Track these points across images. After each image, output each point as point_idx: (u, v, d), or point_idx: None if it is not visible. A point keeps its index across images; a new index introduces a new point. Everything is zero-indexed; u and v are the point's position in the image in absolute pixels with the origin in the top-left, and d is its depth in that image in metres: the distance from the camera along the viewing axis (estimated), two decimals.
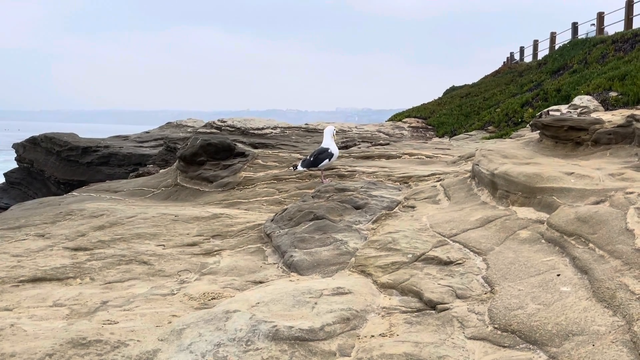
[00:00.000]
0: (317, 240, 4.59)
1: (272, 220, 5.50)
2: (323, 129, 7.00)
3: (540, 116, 10.23)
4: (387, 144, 13.24)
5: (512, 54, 34.39)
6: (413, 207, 5.27)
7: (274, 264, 4.54)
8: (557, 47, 26.54)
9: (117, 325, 3.14)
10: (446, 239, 4.00)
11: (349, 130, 19.23)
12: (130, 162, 21.49)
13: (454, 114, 21.84)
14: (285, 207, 5.75)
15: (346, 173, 7.68)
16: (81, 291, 3.98)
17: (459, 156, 8.66)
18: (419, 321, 2.96)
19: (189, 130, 22.95)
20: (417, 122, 22.10)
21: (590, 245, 3.18)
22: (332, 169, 7.79)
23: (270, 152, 10.08)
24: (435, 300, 3.12)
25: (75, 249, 5.11)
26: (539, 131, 6.30)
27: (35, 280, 4.31)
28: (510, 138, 11.98)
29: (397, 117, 24.60)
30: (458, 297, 3.12)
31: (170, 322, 3.10)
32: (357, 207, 5.27)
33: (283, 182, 7.80)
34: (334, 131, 7.11)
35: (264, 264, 4.58)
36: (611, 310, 2.56)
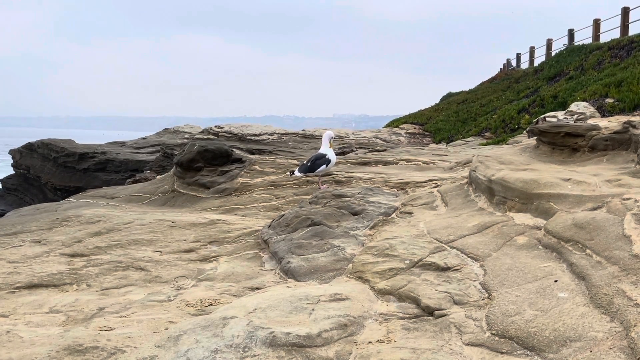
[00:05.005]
0: (315, 246, 4.58)
1: (269, 226, 5.50)
2: (321, 135, 7.01)
3: (537, 122, 10.26)
4: (384, 150, 13.25)
5: (508, 61, 34.51)
6: (410, 213, 5.27)
7: (271, 270, 4.54)
8: (553, 53, 26.64)
9: (114, 331, 3.13)
10: (443, 245, 4.00)
11: (346, 137, 19.24)
12: (127, 168, 21.49)
13: (450, 120, 21.87)
14: (283, 213, 5.74)
15: (343, 179, 7.68)
16: (78, 297, 3.97)
17: (456, 162, 8.67)
18: (416, 327, 2.95)
19: (186, 136, 22.94)
20: (414, 128, 22.13)
21: (588, 251, 3.19)
22: (330, 175, 7.80)
23: (267, 158, 10.08)
24: (433, 306, 3.11)
25: (72, 255, 5.10)
26: (535, 137, 6.31)
27: (31, 286, 4.30)
28: (507, 144, 12.00)
29: (394, 123, 24.62)
30: (455, 303, 3.12)
31: (167, 329, 3.09)
32: (355, 213, 5.27)
33: (280, 188, 7.80)
34: (333, 137, 7.11)
35: (261, 270, 4.57)
36: (608, 316, 2.56)
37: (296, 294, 3.31)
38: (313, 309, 3.08)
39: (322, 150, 6.81)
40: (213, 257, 5.02)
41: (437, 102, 32.47)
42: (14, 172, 26.48)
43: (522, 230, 3.94)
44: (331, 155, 6.79)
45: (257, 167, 8.93)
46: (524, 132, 13.16)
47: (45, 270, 4.61)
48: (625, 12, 21.10)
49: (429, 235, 4.27)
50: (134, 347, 2.85)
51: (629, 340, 2.33)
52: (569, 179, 4.36)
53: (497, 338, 2.67)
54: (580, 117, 10.84)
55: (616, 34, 21.50)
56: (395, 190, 6.61)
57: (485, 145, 13.97)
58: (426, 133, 21.31)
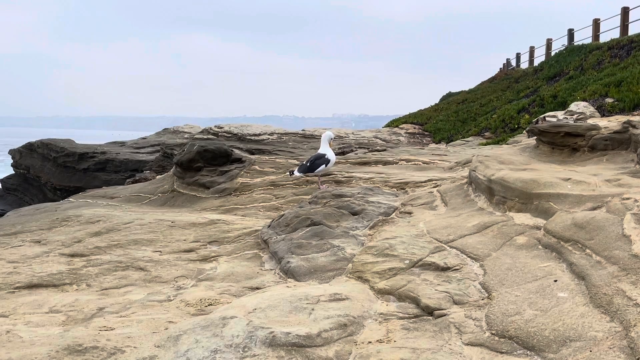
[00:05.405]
0: (314, 246, 4.58)
1: (269, 226, 5.50)
2: (320, 135, 7.01)
3: (537, 122, 10.26)
4: (384, 150, 13.25)
5: (508, 60, 34.51)
6: (410, 213, 5.27)
7: (271, 270, 4.54)
8: (553, 53, 26.64)
9: (114, 331, 3.13)
10: (443, 244, 4.00)
11: (345, 136, 19.24)
12: (127, 168, 21.49)
13: (450, 120, 21.87)
14: (282, 213, 5.75)
15: (343, 179, 7.68)
16: (77, 297, 3.97)
17: (456, 162, 8.67)
18: (416, 327, 2.95)
19: (185, 136, 22.94)
20: (414, 128, 22.12)
21: (587, 251, 3.19)
22: (329, 175, 7.80)
23: (267, 158, 10.08)
24: (433, 306, 3.11)
25: (72, 255, 5.10)
26: (535, 137, 6.31)
27: (31, 286, 4.30)
28: (507, 144, 12.00)
29: (394, 123, 24.62)
30: (455, 303, 3.12)
31: (166, 329, 3.09)
32: (354, 213, 5.27)
33: (280, 188, 7.80)
34: (332, 137, 7.11)
35: (261, 270, 4.58)
36: (608, 316, 2.56)
37: (296, 294, 3.31)
38: (313, 309, 3.08)
39: (321, 150, 6.81)
40: (213, 257, 5.02)
41: (437, 102, 32.46)
42: (13, 172, 26.49)
43: (521, 230, 3.94)
44: (330, 155, 6.79)
45: (256, 167, 8.93)
46: (524, 132, 13.16)
47: (45, 270, 4.61)
48: (625, 12, 21.10)
49: (429, 235, 4.27)
50: (134, 347, 2.85)
51: (629, 340, 2.33)
52: (569, 179, 4.36)
53: (496, 338, 2.67)
54: (580, 116, 10.84)
55: (616, 34, 21.51)
56: (395, 190, 6.61)
57: (485, 145, 13.97)
58: (426, 133, 21.30)
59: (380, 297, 3.40)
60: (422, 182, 6.83)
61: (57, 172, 23.12)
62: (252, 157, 9.87)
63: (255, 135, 18.84)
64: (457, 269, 3.54)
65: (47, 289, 4.28)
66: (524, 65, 31.07)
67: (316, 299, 3.21)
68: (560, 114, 11.41)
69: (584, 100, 12.80)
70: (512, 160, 5.46)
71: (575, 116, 10.93)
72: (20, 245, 5.57)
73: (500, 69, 34.89)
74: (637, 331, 2.34)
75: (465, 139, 16.71)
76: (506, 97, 21.84)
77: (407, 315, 3.11)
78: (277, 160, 9.73)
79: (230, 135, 19.00)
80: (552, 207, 3.98)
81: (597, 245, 3.17)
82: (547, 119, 10.60)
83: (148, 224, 6.04)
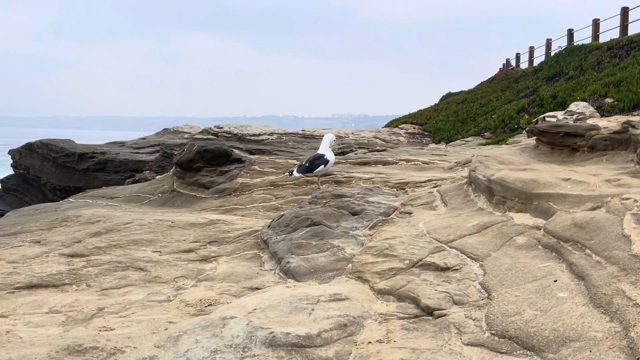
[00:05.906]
0: (314, 246, 4.59)
1: (268, 226, 5.50)
2: (320, 135, 7.02)
3: (537, 122, 10.26)
4: (384, 150, 13.26)
5: (508, 61, 34.51)
6: (410, 213, 5.27)
7: (271, 270, 4.54)
8: (552, 53, 26.64)
9: (114, 331, 3.13)
10: (443, 245, 4.00)
11: (345, 137, 19.24)
12: (127, 168, 21.50)
13: (450, 120, 21.86)
14: (282, 213, 5.75)
15: (343, 179, 7.68)
16: (77, 298, 3.97)
17: (456, 162, 8.67)
18: (416, 327, 2.95)
19: (185, 136, 22.93)
20: (414, 128, 22.11)
21: (587, 251, 3.19)
22: (329, 175, 7.80)
23: (266, 158, 10.08)
24: (433, 306, 3.11)
25: (72, 256, 5.10)
26: (535, 137, 6.31)
27: (31, 286, 4.30)
28: (507, 144, 12.00)
29: (394, 123, 24.60)
30: (455, 303, 3.12)
31: (166, 329, 3.09)
32: (354, 213, 5.27)
33: (280, 188, 7.80)
34: (334, 139, 7.11)
35: (261, 270, 4.58)
36: (608, 316, 2.56)
37: (296, 294, 3.31)
38: (313, 309, 3.08)
39: (320, 151, 6.81)
40: (213, 257, 5.02)
41: (437, 102, 32.45)
42: (13, 172, 26.49)
43: (521, 230, 3.95)
44: (330, 155, 6.78)
45: (256, 167, 8.94)
46: (524, 132, 13.15)
47: (44, 271, 4.62)
48: (625, 12, 21.11)
49: (429, 235, 4.27)
50: (134, 348, 2.85)
51: (629, 340, 2.34)
52: (569, 179, 4.36)
53: (496, 338, 2.67)
54: (580, 117, 10.84)
55: (615, 34, 21.52)
56: (395, 190, 6.61)
57: (485, 145, 13.96)
58: (426, 133, 21.29)
59: (380, 297, 3.40)
60: (421, 182, 6.83)
61: (56, 172, 23.12)
62: (252, 157, 9.88)
63: (255, 135, 18.84)
64: (457, 269, 3.54)
65: (47, 289, 4.28)
66: (524, 65, 31.06)
67: (316, 299, 3.22)
68: (560, 114, 11.41)
69: (583, 100, 12.80)
70: (512, 161, 5.46)
71: (574, 116, 10.94)
72: (20, 246, 5.57)
73: (500, 69, 34.89)
74: (637, 331, 2.35)
75: (465, 139, 16.70)
76: (506, 97, 21.83)
77: (407, 316, 3.11)
78: (277, 160, 9.73)
79: (230, 135, 19.00)
80: (552, 207, 3.98)
81: (596, 245, 3.18)
82: (546, 119, 10.60)
83: (148, 224, 6.04)
